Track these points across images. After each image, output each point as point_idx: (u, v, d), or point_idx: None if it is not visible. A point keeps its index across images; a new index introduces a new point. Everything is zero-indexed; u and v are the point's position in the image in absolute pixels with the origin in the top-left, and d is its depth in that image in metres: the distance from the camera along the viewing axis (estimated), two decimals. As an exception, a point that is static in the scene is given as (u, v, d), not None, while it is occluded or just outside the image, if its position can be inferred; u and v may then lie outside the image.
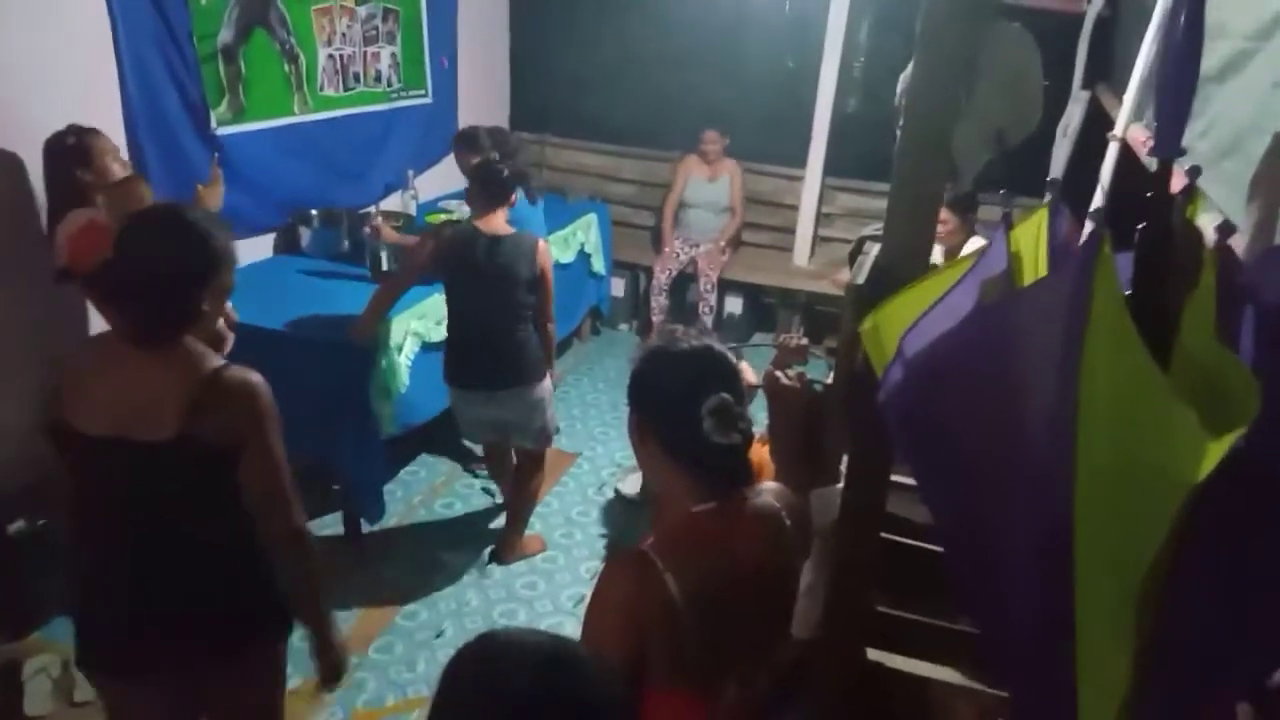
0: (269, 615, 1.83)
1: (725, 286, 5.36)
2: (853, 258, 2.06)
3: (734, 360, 1.35)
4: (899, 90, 1.75)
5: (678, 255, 5.32)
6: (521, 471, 3.39)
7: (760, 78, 5.38)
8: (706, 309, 5.21)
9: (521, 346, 3.10)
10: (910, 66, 1.66)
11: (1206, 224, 1.88)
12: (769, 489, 1.45)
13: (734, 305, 5.50)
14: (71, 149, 2.61)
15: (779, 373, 1.71)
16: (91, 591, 1.73)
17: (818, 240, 5.61)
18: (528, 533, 3.49)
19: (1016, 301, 1.06)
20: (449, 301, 3.13)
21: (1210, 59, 2.24)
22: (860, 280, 1.59)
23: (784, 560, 1.39)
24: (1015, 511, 0.96)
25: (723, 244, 5.32)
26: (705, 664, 1.25)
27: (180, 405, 1.54)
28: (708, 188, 5.31)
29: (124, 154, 2.97)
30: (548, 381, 3.22)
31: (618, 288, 5.58)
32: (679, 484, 1.32)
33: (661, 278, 5.29)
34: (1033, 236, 1.28)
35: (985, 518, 1.03)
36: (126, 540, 1.67)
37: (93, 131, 2.66)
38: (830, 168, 5.43)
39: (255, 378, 1.64)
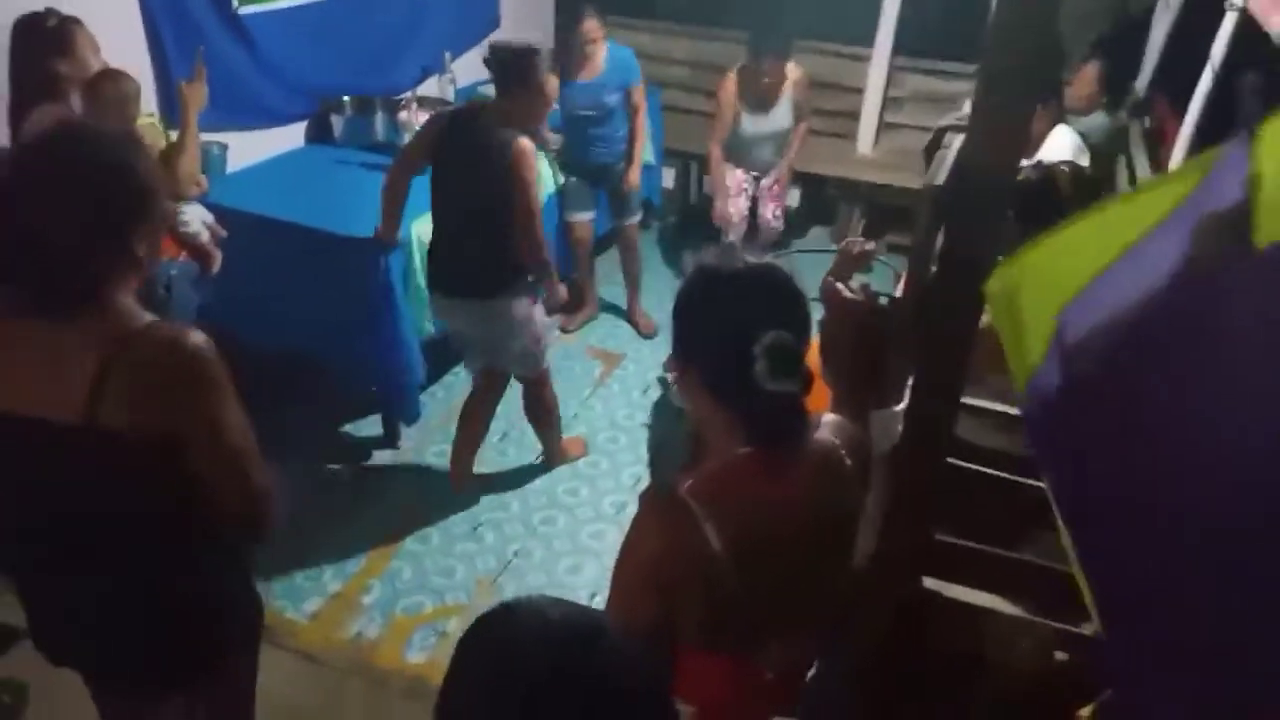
0: (205, 655, 1.49)
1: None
2: (930, 152, 1.80)
3: (800, 288, 1.15)
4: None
5: (744, 190, 4.47)
6: (526, 397, 3.13)
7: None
8: (769, 229, 4.55)
9: (489, 252, 2.71)
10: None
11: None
12: (826, 423, 1.28)
13: (790, 198, 5.19)
14: (50, 33, 2.34)
15: (839, 284, 1.51)
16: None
17: (883, 127, 5.22)
18: (568, 436, 3.38)
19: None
20: (430, 190, 2.80)
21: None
22: (939, 180, 1.36)
23: (842, 507, 1.23)
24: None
25: (787, 172, 4.54)
26: (744, 625, 1.12)
27: (89, 377, 1.20)
28: (764, 120, 4.30)
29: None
30: (526, 302, 2.80)
31: (668, 178, 5.29)
32: (722, 423, 1.16)
33: (731, 212, 4.39)
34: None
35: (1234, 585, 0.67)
36: (26, 541, 1.39)
37: (75, 20, 2.39)
38: (899, 46, 4.99)
39: (194, 338, 1.26)
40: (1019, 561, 1.81)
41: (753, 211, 4.50)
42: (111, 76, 2.41)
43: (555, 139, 3.98)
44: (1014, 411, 1.72)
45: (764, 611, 1.13)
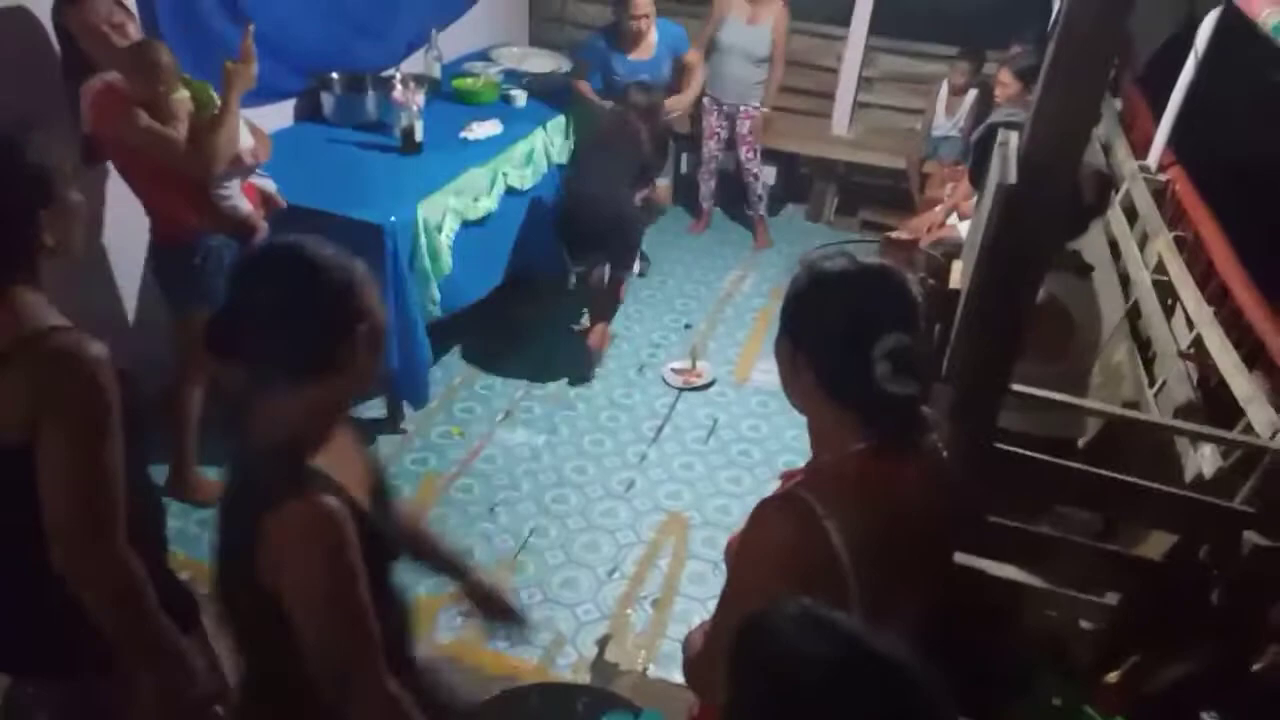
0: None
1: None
2: (980, 147, 1.88)
3: (916, 290, 1.15)
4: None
5: (717, 134, 4.84)
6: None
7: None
8: (753, 181, 4.91)
9: None
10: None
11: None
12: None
13: (767, 175, 5.26)
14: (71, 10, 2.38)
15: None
16: None
17: (857, 107, 5.31)
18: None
19: None
20: None
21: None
22: (1009, 179, 1.44)
23: (948, 510, 1.25)
24: None
25: (764, 109, 4.79)
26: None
27: None
28: (746, 32, 4.55)
29: (136, 15, 2.70)
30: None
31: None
32: (838, 424, 1.16)
33: (711, 157, 4.93)
34: None
35: None
36: None
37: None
38: (874, 26, 5.07)
39: (91, 351, 1.22)
40: (1044, 536, 1.92)
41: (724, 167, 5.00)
42: (147, 47, 2.39)
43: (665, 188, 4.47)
44: (1037, 393, 1.81)
45: (873, 614, 1.12)
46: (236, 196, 2.62)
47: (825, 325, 1.15)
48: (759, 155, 4.87)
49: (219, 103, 2.50)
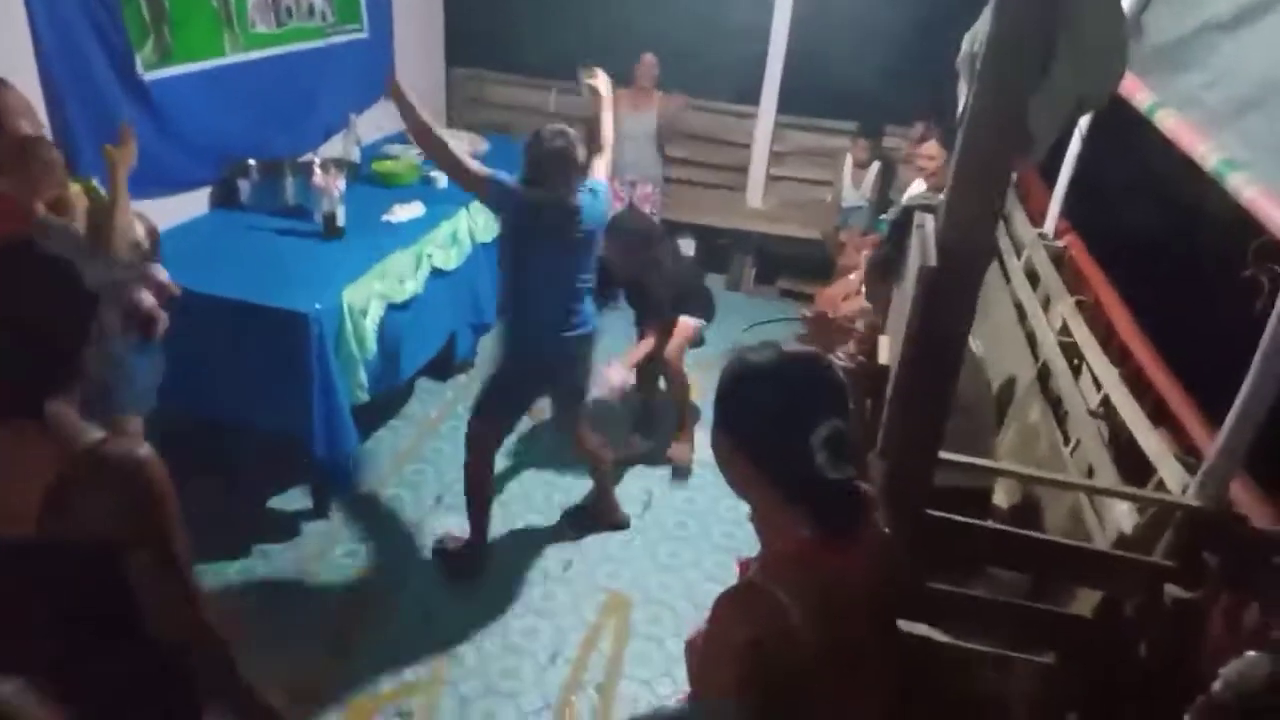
0: None
1: (675, 229, 5.22)
2: (896, 228, 1.97)
3: (841, 373, 1.19)
4: (964, 50, 1.65)
5: (621, 198, 5.02)
6: None
7: (710, 9, 5.17)
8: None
9: None
10: (982, 23, 1.57)
11: (1240, 185, 1.89)
12: None
13: (686, 247, 5.39)
14: None
15: (832, 357, 1.63)
16: None
17: (770, 180, 5.51)
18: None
19: None
20: None
21: (1218, 5, 2.22)
22: (930, 261, 1.51)
23: (896, 588, 1.28)
24: None
25: (657, 185, 5.09)
26: (812, 708, 1.13)
27: (42, 492, 1.19)
28: (632, 119, 4.87)
29: (41, 110, 2.64)
30: None
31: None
32: (783, 510, 1.17)
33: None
34: None
35: None
36: None
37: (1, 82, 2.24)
38: (782, 104, 5.31)
39: (143, 453, 1.29)
40: (977, 599, 1.97)
41: None
42: (39, 144, 2.28)
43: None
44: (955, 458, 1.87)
45: (837, 701, 1.15)
46: (138, 288, 2.51)
47: (760, 418, 1.16)
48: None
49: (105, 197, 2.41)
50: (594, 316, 3.00)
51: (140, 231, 2.51)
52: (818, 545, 1.15)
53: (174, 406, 2.99)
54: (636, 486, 3.65)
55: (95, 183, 2.47)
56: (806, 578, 1.13)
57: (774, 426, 1.15)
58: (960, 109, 1.56)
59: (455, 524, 3.31)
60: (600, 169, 2.97)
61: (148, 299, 2.54)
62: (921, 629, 1.95)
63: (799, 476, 1.14)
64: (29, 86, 2.77)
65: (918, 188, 3.94)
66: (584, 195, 2.80)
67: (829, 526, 1.15)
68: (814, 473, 1.12)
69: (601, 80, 3.08)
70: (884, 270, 2.10)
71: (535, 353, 2.91)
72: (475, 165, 2.77)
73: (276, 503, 3.32)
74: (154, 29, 3.15)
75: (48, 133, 2.46)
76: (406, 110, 2.80)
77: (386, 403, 3.62)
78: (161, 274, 2.66)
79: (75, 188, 2.42)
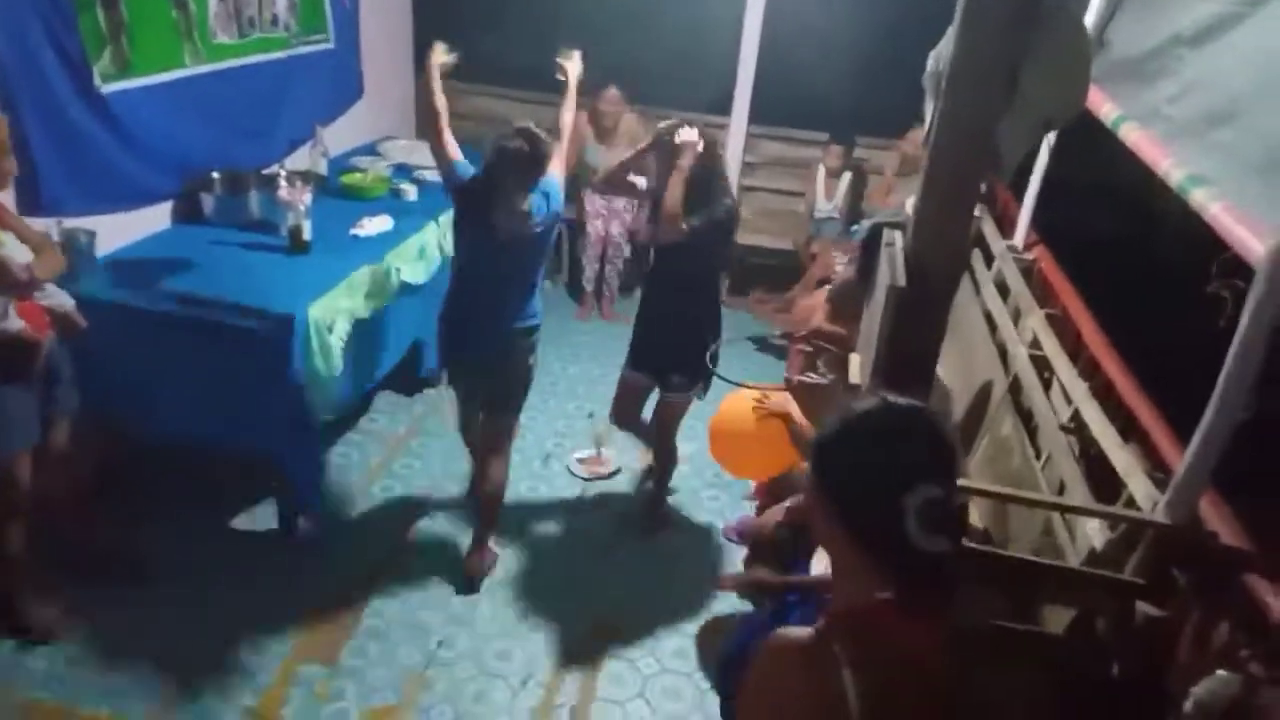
0: None
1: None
2: (867, 247, 1.96)
3: (952, 436, 1.11)
4: (929, 68, 1.64)
5: (602, 215, 5.17)
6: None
7: (681, 20, 5.17)
8: (615, 258, 5.23)
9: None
10: (946, 43, 1.56)
11: (1204, 201, 1.89)
12: None
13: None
14: None
15: (804, 376, 1.62)
16: None
17: (743, 190, 5.50)
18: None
19: None
20: None
21: (1183, 19, 2.23)
22: (899, 281, 1.50)
23: (961, 685, 1.15)
24: None
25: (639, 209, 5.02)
26: None
27: None
28: (603, 152, 4.95)
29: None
30: None
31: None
32: (863, 569, 1.08)
33: (598, 239, 5.20)
34: None
35: None
36: None
37: None
38: (753, 115, 5.30)
39: None
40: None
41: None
42: None
43: None
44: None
45: None
46: (7, 317, 2.35)
47: (853, 471, 1.09)
48: (625, 238, 5.20)
49: None
50: (539, 313, 3.04)
51: (24, 258, 2.35)
52: (890, 612, 1.06)
53: (138, 427, 2.94)
54: (612, 501, 3.62)
55: None
56: (872, 644, 1.04)
57: (858, 478, 1.08)
58: (926, 127, 1.56)
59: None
60: (556, 161, 2.95)
61: (15, 324, 2.36)
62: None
63: (885, 537, 1.05)
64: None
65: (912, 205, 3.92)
66: (536, 197, 2.80)
67: (906, 595, 1.06)
68: (901, 538, 1.03)
69: (573, 63, 3.14)
70: (852, 292, 2.09)
71: (459, 340, 3.00)
72: (452, 146, 2.96)
73: (242, 523, 3.25)
74: (111, 39, 3.08)
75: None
76: (430, 73, 3.13)
77: (348, 417, 3.55)
78: (65, 303, 2.52)
79: None
